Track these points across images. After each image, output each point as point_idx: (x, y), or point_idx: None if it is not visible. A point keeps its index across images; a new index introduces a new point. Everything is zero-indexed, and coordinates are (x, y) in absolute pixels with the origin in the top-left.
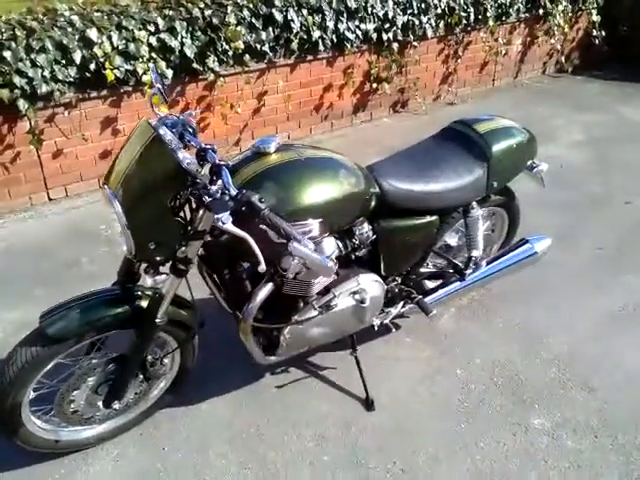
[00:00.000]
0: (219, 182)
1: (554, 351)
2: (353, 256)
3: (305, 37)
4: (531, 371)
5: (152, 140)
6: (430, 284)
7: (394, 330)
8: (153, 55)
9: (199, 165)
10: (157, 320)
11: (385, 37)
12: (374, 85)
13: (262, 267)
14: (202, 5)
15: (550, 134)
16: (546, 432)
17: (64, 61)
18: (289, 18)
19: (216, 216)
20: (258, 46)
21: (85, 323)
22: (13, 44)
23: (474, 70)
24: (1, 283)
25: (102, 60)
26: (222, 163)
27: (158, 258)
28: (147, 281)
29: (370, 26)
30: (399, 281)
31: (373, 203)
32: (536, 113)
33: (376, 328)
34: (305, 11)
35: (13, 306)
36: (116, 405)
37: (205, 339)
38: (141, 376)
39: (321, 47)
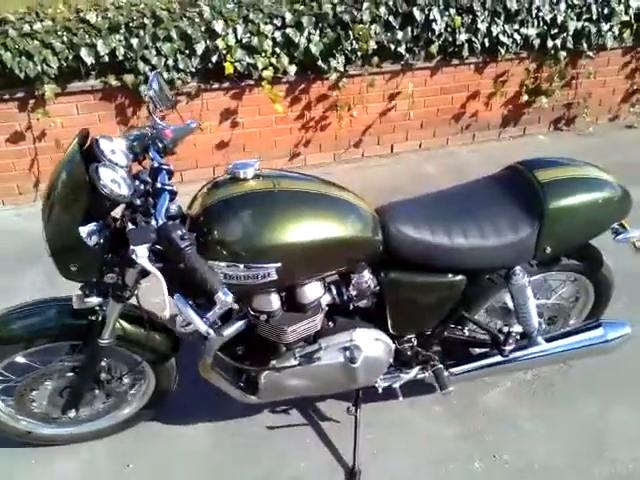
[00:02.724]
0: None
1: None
2: (352, 306)
3: (450, 39)
4: None
5: (72, 154)
6: (467, 351)
7: (401, 398)
8: (277, 50)
9: (142, 185)
10: (100, 340)
11: (550, 44)
12: (530, 97)
13: (165, 314)
14: (335, 0)
15: None
16: None
17: (187, 51)
18: (431, 18)
19: (131, 247)
20: (392, 46)
21: (31, 330)
22: (141, 32)
23: None
24: None
25: (224, 52)
26: (167, 188)
27: (84, 281)
28: (74, 300)
29: (532, 31)
30: (415, 343)
31: (375, 251)
32: None
33: (380, 391)
34: (452, 11)
35: None
36: (71, 414)
37: None
38: (97, 391)
39: (465, 51)
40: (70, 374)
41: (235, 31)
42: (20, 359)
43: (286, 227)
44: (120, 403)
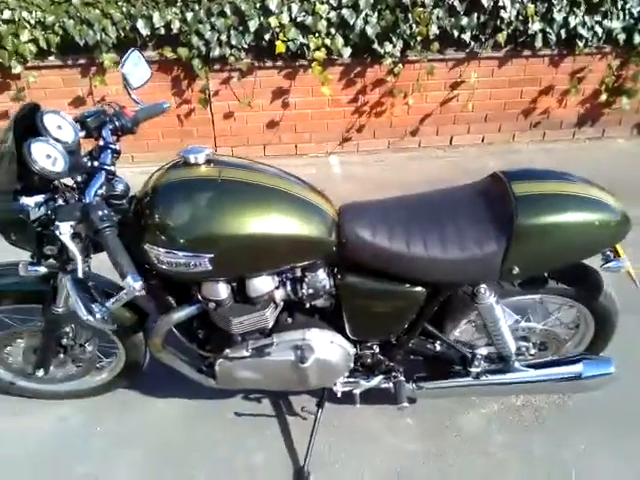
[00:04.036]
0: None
1: None
2: (308, 304)
3: (521, 28)
4: None
5: (8, 126)
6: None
7: (358, 405)
8: (332, 31)
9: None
10: (54, 308)
11: (638, 40)
12: (609, 97)
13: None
14: None
15: None
16: None
17: (240, 27)
18: (500, 4)
19: (56, 223)
20: (455, 33)
21: None
22: (197, 6)
23: None
24: None
25: (277, 31)
26: (105, 167)
27: (25, 249)
28: (20, 267)
29: (617, 24)
30: (377, 350)
31: (326, 252)
32: None
33: (338, 395)
34: None
35: None
36: (39, 373)
37: None
38: (61, 355)
39: (538, 42)
40: (39, 336)
41: (290, 9)
42: None
43: (221, 218)
44: (90, 369)
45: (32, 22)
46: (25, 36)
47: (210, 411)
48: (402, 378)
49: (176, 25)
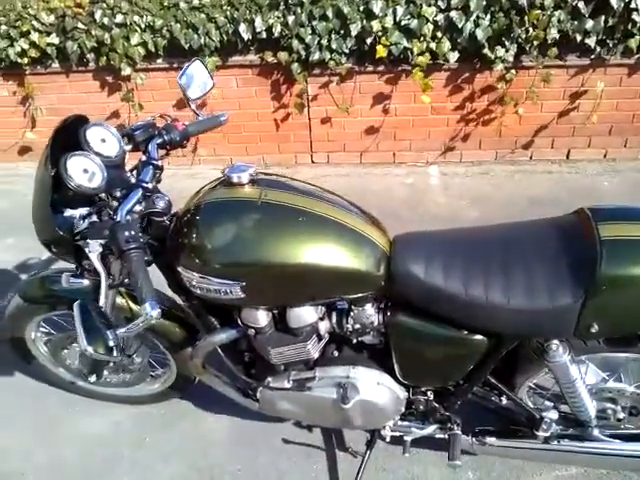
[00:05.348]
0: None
1: None
2: (355, 340)
3: None
4: None
5: (50, 139)
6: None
7: (407, 454)
8: (438, 34)
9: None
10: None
11: None
12: None
13: (101, 303)
14: None
15: None
16: None
17: (342, 31)
18: (632, 6)
19: (86, 240)
20: (578, 37)
21: (50, 295)
22: (298, 10)
23: None
24: None
25: (379, 35)
26: (143, 185)
27: (68, 261)
28: (62, 278)
29: None
30: (430, 397)
31: (372, 287)
32: None
33: (387, 439)
34: None
35: None
36: (92, 378)
37: None
38: (110, 363)
39: None
40: None
41: (395, 12)
42: (55, 318)
43: (254, 244)
44: (144, 378)
45: (142, 26)
46: (135, 39)
47: (259, 434)
48: (458, 432)
49: (277, 29)
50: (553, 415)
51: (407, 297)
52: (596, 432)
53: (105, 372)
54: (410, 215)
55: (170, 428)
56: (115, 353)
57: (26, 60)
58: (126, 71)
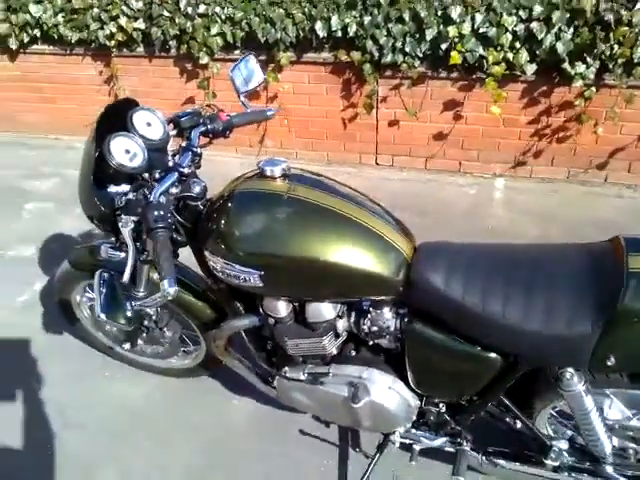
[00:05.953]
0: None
1: None
2: (371, 342)
3: None
4: None
5: (97, 120)
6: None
7: (413, 462)
8: (516, 45)
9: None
10: (134, 291)
11: None
12: None
13: (125, 278)
14: None
15: None
16: None
17: (417, 35)
18: None
19: (122, 216)
20: None
21: (93, 264)
22: (375, 11)
23: None
24: None
25: (455, 40)
26: (179, 169)
27: (107, 231)
28: (101, 250)
29: None
30: (442, 409)
31: (389, 292)
32: None
33: (396, 445)
34: None
35: None
36: (126, 346)
37: None
38: (144, 334)
39: None
40: None
41: (473, 19)
42: None
43: (273, 235)
44: (175, 352)
45: (222, 17)
46: (215, 29)
47: (278, 421)
48: (467, 448)
49: (353, 28)
50: (563, 445)
51: (424, 306)
52: (610, 469)
53: (139, 341)
54: (464, 226)
55: (195, 403)
56: (130, 323)
57: (113, 43)
58: (204, 60)
